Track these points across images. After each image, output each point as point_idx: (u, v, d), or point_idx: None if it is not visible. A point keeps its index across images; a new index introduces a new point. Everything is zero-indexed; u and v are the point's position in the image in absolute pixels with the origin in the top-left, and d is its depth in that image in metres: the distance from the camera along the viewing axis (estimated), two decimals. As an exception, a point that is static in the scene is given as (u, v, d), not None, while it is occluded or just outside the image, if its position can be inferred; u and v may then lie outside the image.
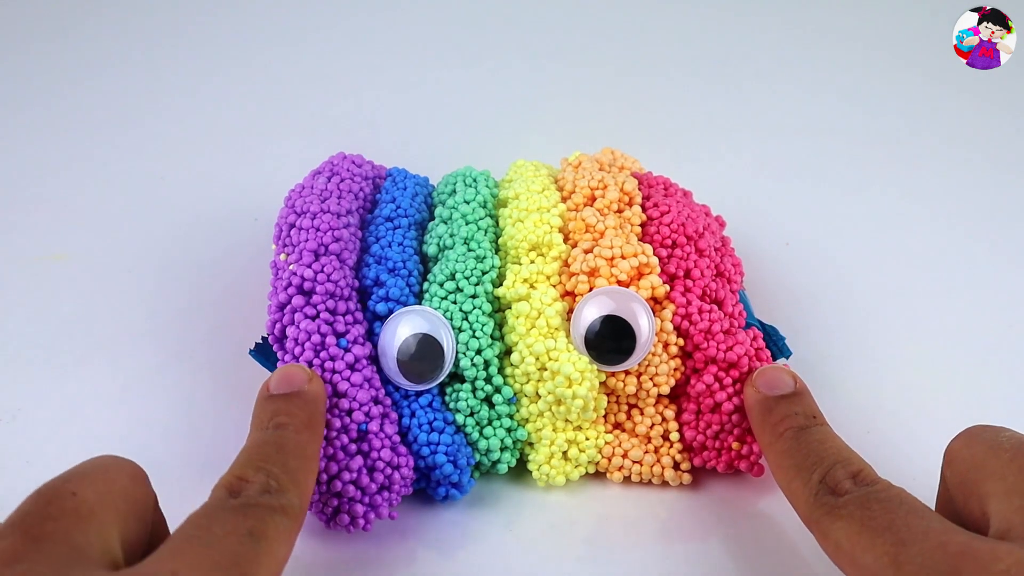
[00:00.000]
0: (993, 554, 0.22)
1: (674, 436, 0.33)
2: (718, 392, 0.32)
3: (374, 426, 0.30)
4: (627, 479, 0.33)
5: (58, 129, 0.54)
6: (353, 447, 0.30)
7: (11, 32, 0.62)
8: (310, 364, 0.31)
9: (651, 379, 0.33)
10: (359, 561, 0.30)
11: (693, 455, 0.33)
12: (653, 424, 0.33)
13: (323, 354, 0.31)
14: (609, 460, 0.33)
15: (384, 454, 0.30)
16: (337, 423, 0.30)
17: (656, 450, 0.33)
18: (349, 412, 0.30)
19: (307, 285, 0.32)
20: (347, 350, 0.31)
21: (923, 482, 0.33)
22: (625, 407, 0.34)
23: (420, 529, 0.31)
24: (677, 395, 0.34)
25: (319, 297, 0.32)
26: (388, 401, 0.32)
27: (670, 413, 0.33)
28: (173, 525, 0.31)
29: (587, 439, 0.33)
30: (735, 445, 0.32)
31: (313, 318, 0.32)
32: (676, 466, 0.33)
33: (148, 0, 0.66)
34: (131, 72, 0.59)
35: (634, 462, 0.33)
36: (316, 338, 0.31)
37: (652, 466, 0.33)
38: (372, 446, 0.30)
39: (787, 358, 0.35)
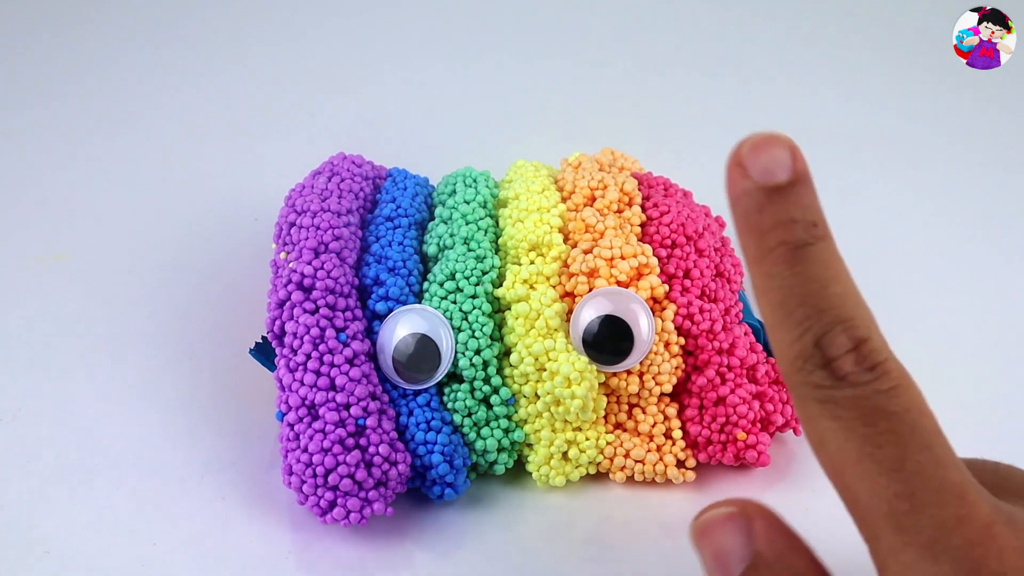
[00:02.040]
0: (1021, 552, 0.19)
1: (676, 434, 0.33)
2: (720, 386, 0.32)
3: (372, 421, 0.30)
4: (630, 479, 0.33)
5: (58, 129, 0.54)
6: (351, 441, 0.30)
7: (11, 32, 0.62)
8: (308, 358, 0.31)
9: (653, 378, 0.33)
10: (356, 561, 0.30)
11: (697, 451, 0.33)
12: (655, 423, 0.33)
13: (321, 347, 0.31)
14: (611, 460, 0.33)
15: (382, 449, 0.30)
16: (334, 417, 0.30)
17: (658, 448, 0.33)
18: (347, 407, 0.30)
19: (307, 282, 0.32)
20: (346, 344, 0.31)
21: (922, 482, 0.33)
22: (626, 407, 0.34)
23: (418, 530, 0.31)
24: (677, 393, 0.34)
25: (319, 293, 0.32)
26: (386, 398, 0.32)
27: (671, 411, 0.33)
28: (172, 526, 0.31)
29: (587, 439, 0.33)
30: (741, 435, 0.32)
31: (312, 312, 0.32)
32: (679, 464, 0.33)
33: (148, 0, 0.66)
34: (131, 72, 0.59)
35: (636, 461, 0.33)
36: (315, 331, 0.31)
37: (655, 464, 0.33)
38: (370, 441, 0.30)
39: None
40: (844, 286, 0.22)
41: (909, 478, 0.19)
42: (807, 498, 0.32)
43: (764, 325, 0.23)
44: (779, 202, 0.22)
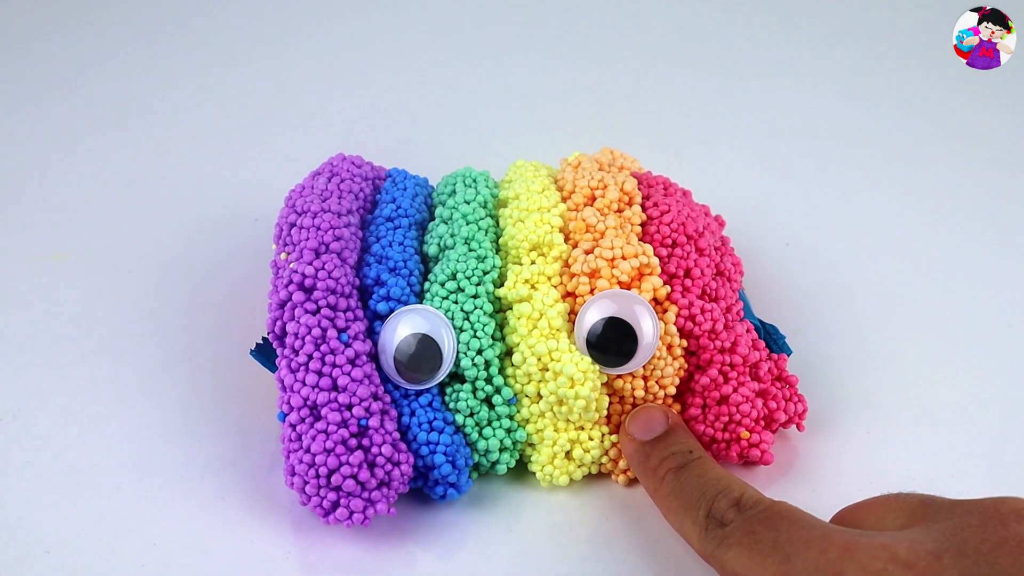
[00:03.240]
0: (871, 551, 0.23)
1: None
2: (723, 385, 0.33)
3: (374, 422, 0.30)
4: (633, 481, 0.33)
5: (58, 129, 0.54)
6: (353, 442, 0.30)
7: (11, 32, 0.62)
8: (310, 358, 0.31)
9: (657, 382, 0.33)
10: (358, 561, 0.30)
11: (701, 450, 0.33)
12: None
13: (323, 347, 0.31)
14: (615, 462, 0.33)
15: (384, 450, 0.30)
16: (337, 417, 0.30)
17: (660, 450, 0.33)
18: (349, 407, 0.30)
19: (308, 282, 0.32)
20: (348, 345, 0.31)
21: (923, 483, 0.33)
22: (630, 408, 0.34)
23: (420, 530, 0.31)
24: (680, 392, 0.34)
25: (320, 293, 0.32)
26: (388, 398, 0.32)
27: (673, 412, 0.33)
28: (173, 526, 0.31)
29: (591, 439, 0.33)
30: (744, 434, 0.32)
31: (314, 313, 0.32)
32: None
33: (148, 0, 0.66)
34: (131, 72, 0.59)
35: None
36: (316, 332, 0.31)
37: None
38: (373, 441, 0.30)
39: (788, 356, 0.35)
40: (719, 473, 0.29)
41: (783, 546, 0.25)
42: (808, 496, 0.32)
43: (677, 530, 0.29)
44: (660, 447, 0.31)
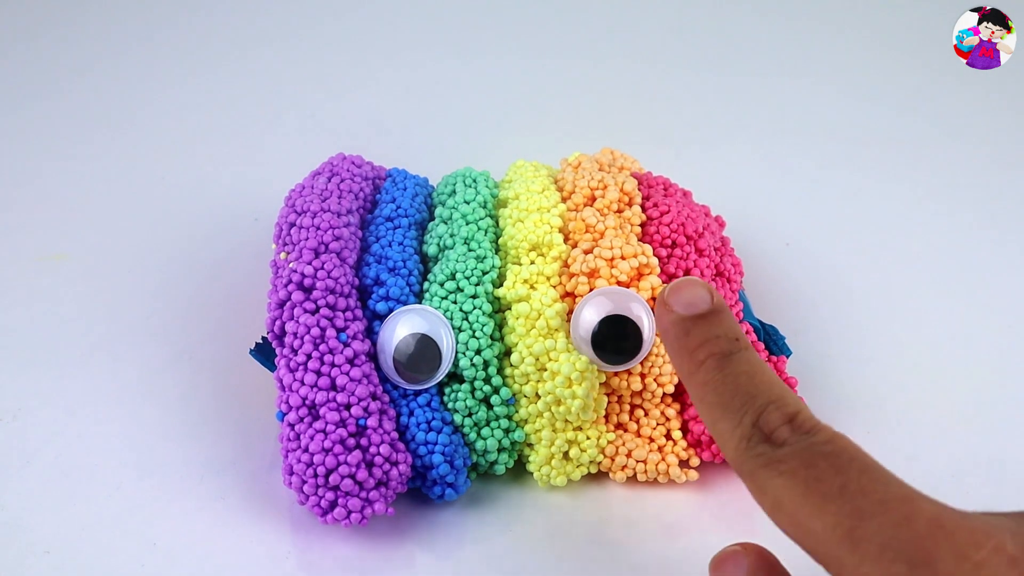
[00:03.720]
0: (971, 535, 0.20)
1: (676, 435, 0.33)
2: None
3: (372, 421, 0.30)
4: (631, 478, 0.33)
5: (58, 129, 0.54)
6: (352, 441, 0.30)
7: (11, 32, 0.62)
8: (308, 357, 0.31)
9: (655, 379, 0.33)
10: (357, 561, 0.30)
11: (701, 450, 0.33)
12: (657, 424, 0.33)
13: (322, 347, 0.31)
14: (612, 460, 0.33)
15: (383, 450, 0.30)
16: (335, 417, 0.30)
17: (660, 448, 0.33)
18: (347, 407, 0.30)
19: (307, 282, 0.32)
20: (347, 344, 0.31)
21: (923, 483, 0.33)
22: (628, 407, 0.34)
23: (418, 530, 0.31)
24: (680, 391, 0.34)
25: (319, 293, 0.32)
26: (386, 398, 0.32)
27: (672, 412, 0.33)
28: (173, 526, 0.31)
29: (588, 439, 0.33)
30: None
31: (313, 312, 0.32)
32: (682, 464, 0.33)
33: (147, 0, 0.66)
34: (131, 72, 0.59)
35: (638, 461, 0.33)
36: (315, 331, 0.31)
37: (657, 464, 0.33)
38: (371, 441, 0.30)
39: (788, 357, 0.35)
40: (770, 377, 0.24)
41: (853, 497, 0.21)
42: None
43: (706, 425, 0.25)
44: (702, 325, 0.26)
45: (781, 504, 0.22)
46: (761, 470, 0.22)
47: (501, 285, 0.34)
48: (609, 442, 0.33)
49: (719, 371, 0.25)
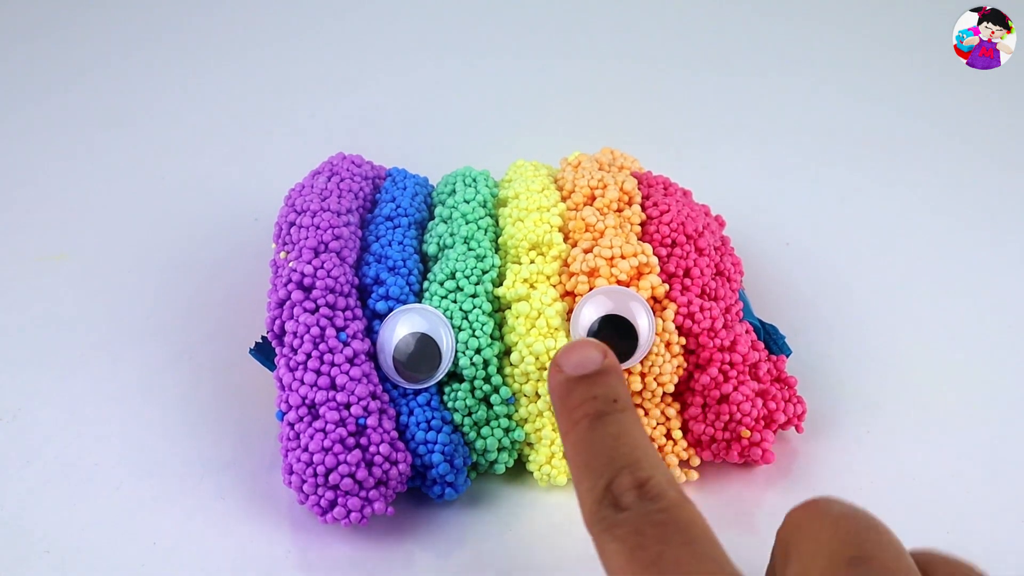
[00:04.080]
0: None
1: (677, 434, 0.33)
2: (724, 384, 0.33)
3: (372, 421, 0.30)
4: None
5: (58, 129, 0.54)
6: (351, 440, 0.30)
7: (10, 32, 0.62)
8: (308, 357, 0.31)
9: (655, 379, 0.33)
10: (357, 561, 0.30)
11: (701, 449, 0.33)
12: (657, 424, 0.33)
13: (322, 346, 0.31)
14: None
15: (382, 449, 0.30)
16: (335, 416, 0.30)
17: (660, 448, 0.33)
18: (347, 406, 0.30)
19: (307, 281, 0.32)
20: (346, 344, 0.31)
21: (923, 482, 0.33)
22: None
23: (418, 529, 0.31)
24: (680, 392, 0.34)
25: (319, 292, 0.32)
26: (386, 397, 0.32)
27: (672, 411, 0.33)
28: (173, 526, 0.31)
29: (587, 439, 0.33)
30: (745, 433, 0.32)
31: (312, 312, 0.32)
32: (682, 463, 0.33)
33: (147, 0, 0.66)
34: (131, 72, 0.59)
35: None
36: (315, 331, 0.31)
37: (656, 464, 0.33)
38: (371, 440, 0.30)
39: (787, 357, 0.35)
40: (636, 440, 0.25)
41: (664, 569, 0.21)
42: (808, 496, 0.32)
43: (574, 483, 0.25)
44: (584, 386, 0.26)
45: (611, 569, 0.23)
46: (603, 533, 0.23)
47: (501, 284, 0.34)
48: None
49: (589, 432, 0.25)
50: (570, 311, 0.33)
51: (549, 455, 0.33)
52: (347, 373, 0.31)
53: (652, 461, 0.24)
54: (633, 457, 0.24)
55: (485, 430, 0.32)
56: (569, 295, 0.34)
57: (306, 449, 0.30)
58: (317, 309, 0.32)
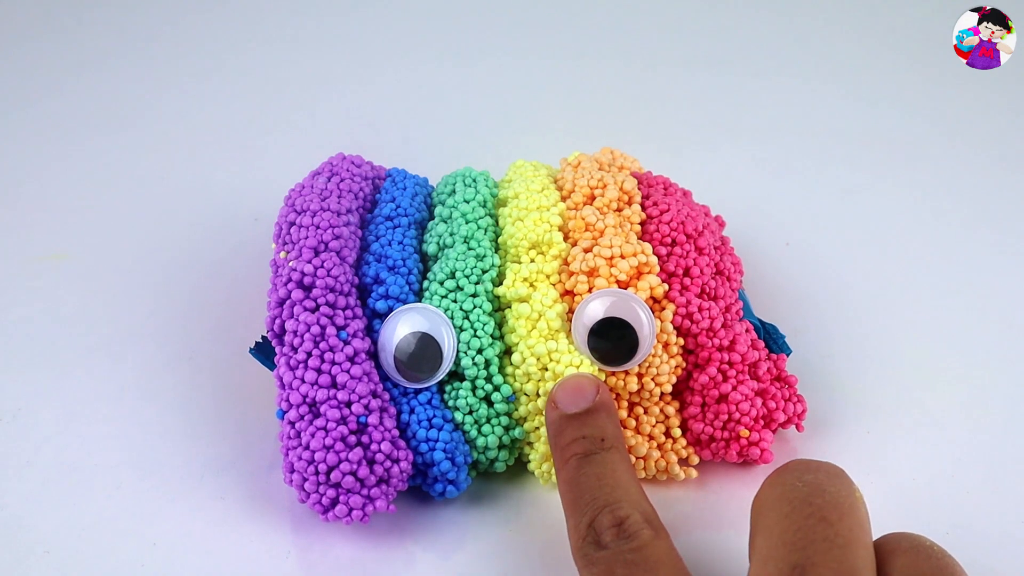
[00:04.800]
0: None
1: (676, 433, 0.33)
2: (723, 383, 0.33)
3: (373, 419, 0.30)
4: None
5: (58, 129, 0.54)
6: (352, 439, 0.30)
7: (10, 31, 0.62)
8: (309, 356, 0.31)
9: (653, 379, 0.33)
10: (358, 560, 0.30)
11: (700, 448, 0.33)
12: (657, 422, 0.33)
13: (322, 345, 0.31)
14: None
15: (384, 447, 0.30)
16: (336, 414, 0.30)
17: (660, 446, 0.33)
18: (348, 404, 0.30)
19: (307, 280, 0.32)
20: (347, 342, 0.31)
21: (923, 482, 0.33)
22: (626, 405, 0.34)
23: (419, 528, 0.31)
24: (679, 391, 0.34)
25: (319, 291, 0.32)
26: (387, 395, 0.32)
27: (671, 410, 0.33)
28: (173, 526, 0.31)
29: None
30: (744, 432, 0.32)
31: (313, 311, 0.32)
32: (682, 462, 0.33)
33: (147, 0, 0.66)
34: (131, 72, 0.59)
35: (638, 458, 0.33)
36: (316, 329, 0.31)
37: (657, 461, 0.33)
38: (372, 438, 0.30)
39: (788, 356, 0.35)
40: (617, 480, 0.27)
41: None
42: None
43: (565, 516, 0.28)
44: (575, 425, 0.29)
45: None
46: (583, 569, 0.26)
47: (501, 284, 0.34)
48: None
49: (577, 471, 0.28)
50: (570, 311, 0.33)
51: (548, 453, 0.33)
52: (348, 371, 0.31)
53: (632, 499, 0.27)
54: (614, 496, 0.27)
55: (486, 428, 0.32)
56: (569, 294, 0.34)
57: (307, 447, 0.30)
58: (317, 308, 0.32)
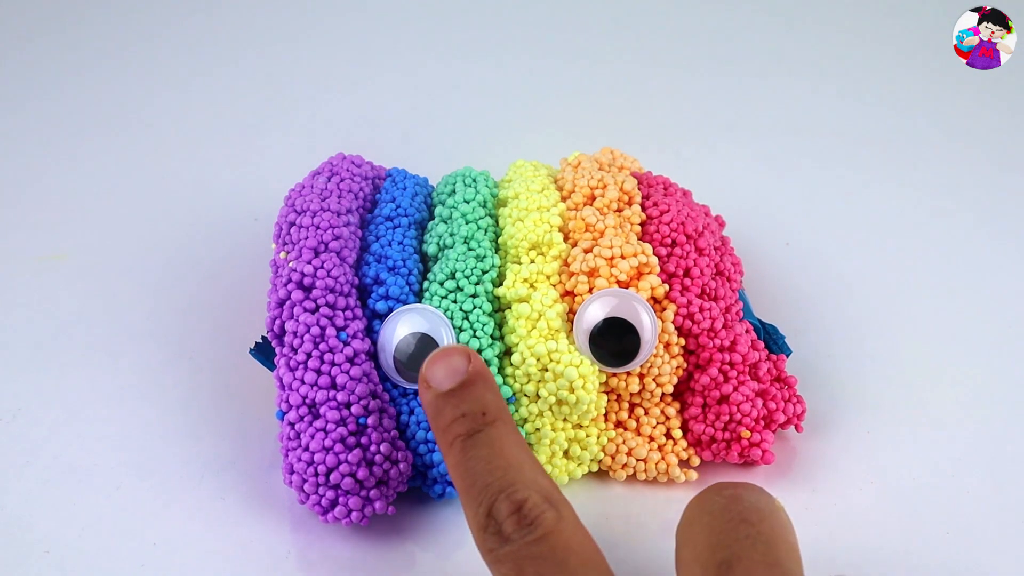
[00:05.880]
0: None
1: (677, 434, 0.33)
2: (723, 384, 0.33)
3: (373, 420, 0.30)
4: (631, 477, 0.33)
5: (58, 129, 0.54)
6: (352, 440, 0.30)
7: (11, 32, 0.62)
8: (308, 356, 0.31)
9: (654, 380, 0.33)
10: (357, 560, 0.30)
11: (701, 449, 0.33)
12: (657, 423, 0.33)
13: (322, 346, 0.31)
14: (613, 458, 0.33)
15: (383, 448, 0.30)
16: (335, 416, 0.30)
17: (660, 448, 0.33)
18: (348, 405, 0.30)
19: (307, 281, 0.32)
20: (346, 343, 0.31)
21: (923, 482, 0.33)
22: (627, 406, 0.34)
23: (418, 529, 0.31)
24: (680, 391, 0.34)
25: (319, 292, 0.32)
26: (386, 396, 0.32)
27: (672, 411, 0.34)
28: (173, 526, 0.31)
29: (589, 436, 0.33)
30: (745, 433, 0.32)
31: (312, 311, 0.32)
32: (682, 463, 0.33)
33: (147, 0, 0.66)
34: (131, 72, 0.59)
35: (639, 460, 0.33)
36: (315, 330, 0.31)
37: (657, 463, 0.33)
38: (371, 440, 0.30)
39: (787, 356, 0.35)
40: (508, 459, 0.25)
41: None
42: (808, 496, 0.32)
43: (462, 506, 0.26)
44: (452, 402, 0.26)
45: None
46: (491, 565, 0.24)
47: (501, 284, 0.34)
48: (610, 440, 0.33)
49: (463, 455, 0.26)
50: (570, 311, 0.33)
51: (549, 455, 0.33)
52: (347, 372, 0.31)
53: (526, 479, 0.25)
54: (507, 479, 0.25)
55: (485, 430, 0.32)
56: (569, 295, 0.34)
57: (307, 448, 0.30)
58: (317, 309, 0.32)
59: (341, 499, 0.30)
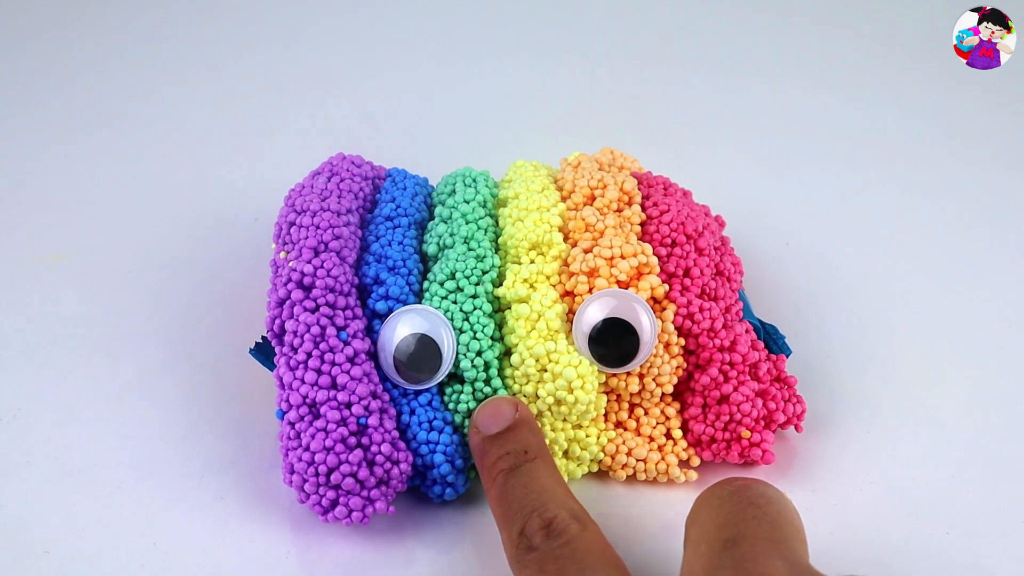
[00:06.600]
0: None
1: (676, 434, 0.33)
2: (723, 384, 0.33)
3: (373, 420, 0.30)
4: (631, 477, 0.33)
5: (58, 129, 0.54)
6: (352, 440, 0.30)
7: (11, 32, 0.62)
8: (309, 356, 0.31)
9: (654, 380, 0.33)
10: (357, 560, 0.30)
11: (701, 449, 0.33)
12: (657, 423, 0.33)
13: (322, 345, 0.31)
14: (613, 458, 0.33)
15: (384, 448, 0.30)
16: (336, 416, 0.30)
17: (660, 448, 0.33)
18: (348, 405, 0.30)
19: (307, 280, 0.32)
20: (347, 343, 0.31)
21: (923, 482, 0.33)
22: (627, 406, 0.34)
23: (419, 529, 0.31)
24: (680, 391, 0.34)
25: (319, 292, 0.32)
26: (387, 397, 0.32)
27: (672, 411, 0.34)
28: (173, 526, 0.31)
29: (588, 437, 0.33)
30: (745, 433, 0.32)
31: (312, 311, 0.32)
32: (682, 463, 0.33)
33: (147, 0, 0.66)
34: (131, 72, 0.59)
35: (639, 460, 0.33)
36: (315, 330, 0.31)
37: (657, 463, 0.33)
38: (372, 440, 0.30)
39: (787, 356, 0.35)
40: (542, 486, 0.28)
41: None
42: (808, 496, 0.32)
43: (500, 532, 0.28)
44: (497, 444, 0.30)
45: None
46: (519, 573, 0.26)
47: (501, 284, 0.34)
48: (610, 440, 0.33)
49: (504, 486, 0.29)
50: (570, 311, 0.33)
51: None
52: (348, 372, 0.31)
53: (557, 500, 0.28)
54: (540, 501, 0.27)
55: (485, 430, 0.32)
56: (569, 295, 0.34)
57: (307, 448, 0.30)
58: (317, 308, 0.32)
59: (342, 499, 0.30)
